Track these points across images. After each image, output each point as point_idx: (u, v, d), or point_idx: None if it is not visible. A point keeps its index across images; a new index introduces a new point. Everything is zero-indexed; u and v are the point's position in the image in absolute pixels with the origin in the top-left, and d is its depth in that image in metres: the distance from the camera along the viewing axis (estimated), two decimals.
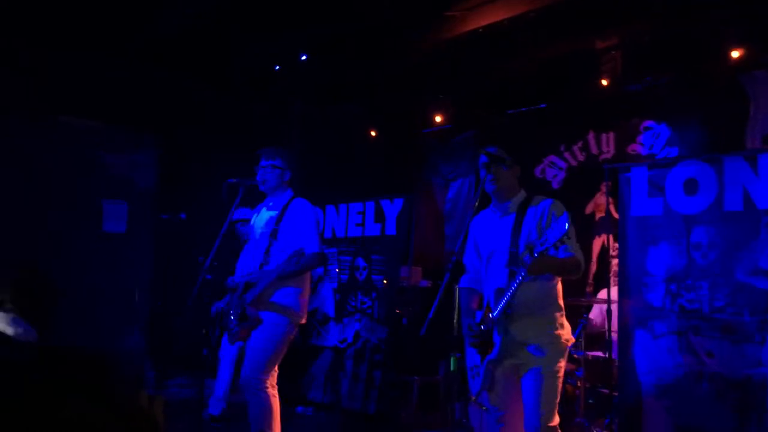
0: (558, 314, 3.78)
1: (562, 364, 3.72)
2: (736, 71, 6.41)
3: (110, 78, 7.27)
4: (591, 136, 7.80)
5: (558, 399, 3.68)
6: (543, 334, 3.68)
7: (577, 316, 5.84)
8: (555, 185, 8.04)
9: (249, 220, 5.19)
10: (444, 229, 9.28)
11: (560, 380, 3.70)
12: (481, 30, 6.61)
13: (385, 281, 7.16)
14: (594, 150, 7.77)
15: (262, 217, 4.87)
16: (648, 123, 7.29)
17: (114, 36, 6.91)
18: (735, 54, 6.22)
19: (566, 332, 3.77)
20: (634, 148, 7.38)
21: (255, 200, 5.06)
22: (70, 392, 0.77)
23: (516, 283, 3.52)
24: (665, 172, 5.22)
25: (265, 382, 4.49)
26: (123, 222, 7.40)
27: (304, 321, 4.72)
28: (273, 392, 4.55)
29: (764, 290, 4.84)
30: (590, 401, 5.80)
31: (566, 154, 8.01)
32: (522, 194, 3.91)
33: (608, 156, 7.58)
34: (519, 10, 6.29)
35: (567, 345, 3.75)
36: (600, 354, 6.01)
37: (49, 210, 6.61)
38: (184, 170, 8.03)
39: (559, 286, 3.84)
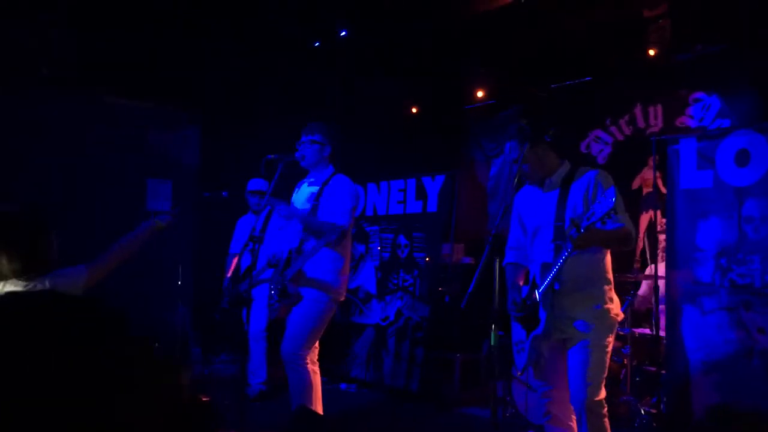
0: (606, 288, 3.69)
1: (611, 339, 3.64)
2: None
3: (153, 56, 7.32)
4: (638, 109, 7.60)
5: (605, 374, 3.60)
6: (590, 309, 3.60)
7: (624, 293, 5.72)
8: (600, 160, 7.87)
9: (264, 192, 5.18)
10: (487, 207, 9.17)
11: (608, 355, 3.61)
12: (522, 1, 6.45)
13: (427, 259, 7.10)
14: (641, 123, 7.58)
15: (303, 193, 4.86)
16: (698, 95, 7.07)
17: (155, 13, 6.94)
18: None
19: (615, 306, 3.68)
20: (683, 121, 7.17)
21: (297, 177, 5.05)
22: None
23: (562, 258, 3.46)
24: (716, 143, 5.06)
25: (305, 358, 4.50)
26: (167, 200, 7.48)
27: (342, 298, 4.70)
28: (314, 368, 4.55)
29: None
30: (637, 379, 5.69)
31: (612, 128, 7.83)
32: (565, 166, 3.80)
33: (655, 129, 7.38)
34: None
35: (616, 320, 3.67)
36: (647, 331, 5.89)
37: (94, 188, 6.71)
38: (226, 148, 8.08)
39: (608, 259, 3.74)
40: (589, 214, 3.25)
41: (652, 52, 6.90)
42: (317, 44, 7.94)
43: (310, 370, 4.51)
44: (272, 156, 4.75)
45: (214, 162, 7.74)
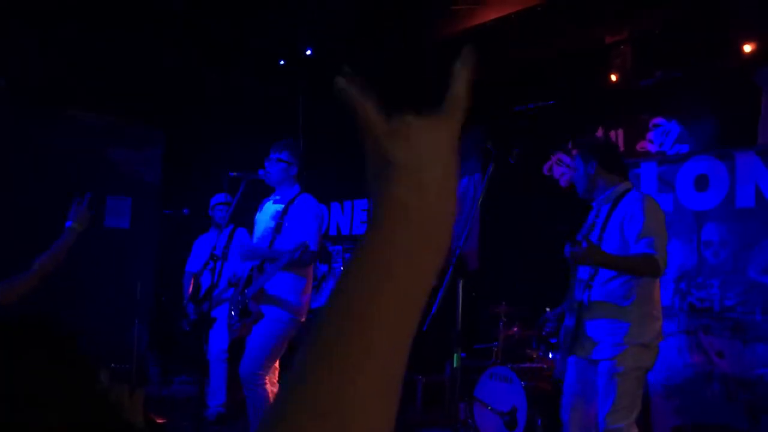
0: (638, 315, 3.55)
1: (632, 365, 3.51)
2: (748, 66, 6.29)
3: (116, 72, 7.22)
4: (600, 133, 7.69)
5: (629, 402, 3.48)
6: (614, 334, 3.52)
7: None
8: (563, 183, 7.93)
9: (229, 204, 5.13)
10: None
11: (630, 382, 3.50)
12: (488, 24, 6.51)
13: None
14: None
15: (267, 210, 4.81)
16: (658, 120, 7.18)
17: (120, 29, 6.85)
18: (747, 48, 6.10)
19: (644, 334, 3.54)
20: (644, 146, 7.27)
21: (260, 195, 5.00)
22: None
23: (584, 276, 3.55)
24: (676, 167, 5.13)
25: (263, 378, 4.42)
26: (126, 217, 7.36)
27: (304, 318, 4.64)
28: (273, 389, 4.48)
29: None
30: None
31: (575, 152, 7.91)
32: (621, 187, 3.75)
33: None
34: (527, 4, 6.20)
35: (641, 350, 3.53)
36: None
37: (51, 204, 6.57)
38: (187, 166, 7.98)
39: (648, 287, 3.61)
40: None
41: (613, 78, 7.00)
42: (282, 63, 7.92)
43: (269, 390, 4.44)
44: (235, 173, 4.70)
45: (176, 180, 7.65)
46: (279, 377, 4.63)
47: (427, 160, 0.70)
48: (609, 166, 3.76)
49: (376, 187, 0.70)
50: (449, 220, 0.70)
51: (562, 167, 7.99)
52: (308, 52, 7.61)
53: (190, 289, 6.52)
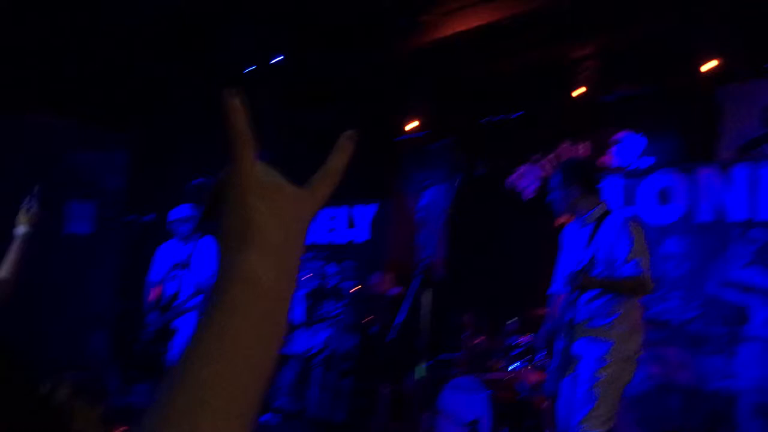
0: (621, 331, 3.67)
1: (614, 377, 3.62)
2: (710, 83, 6.42)
3: (80, 75, 7.11)
4: (565, 146, 7.78)
5: (605, 412, 3.56)
6: (599, 349, 3.64)
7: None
8: (527, 195, 8.01)
9: (189, 218, 5.05)
10: (416, 237, 9.21)
11: (609, 394, 3.59)
12: (456, 36, 6.56)
13: (355, 288, 7.06)
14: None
15: None
16: (622, 134, 7.29)
17: (85, 30, 6.75)
18: (709, 66, 6.23)
19: (627, 349, 3.66)
20: (608, 159, 7.37)
21: None
22: None
23: (570, 298, 3.65)
24: (638, 181, 5.21)
25: None
26: (88, 223, 7.24)
27: None
28: None
29: (734, 303, 4.82)
30: None
31: (541, 164, 7.99)
32: (601, 207, 3.87)
33: None
34: (494, 18, 6.25)
35: (623, 363, 3.65)
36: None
37: (10, 209, 6.44)
38: (151, 172, 7.88)
39: (630, 304, 3.72)
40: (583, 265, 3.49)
41: (579, 92, 7.09)
42: (251, 69, 7.88)
43: None
44: (198, 181, 4.65)
45: (140, 185, 7.55)
46: None
47: (288, 235, 0.68)
48: (590, 188, 3.90)
49: (228, 245, 0.67)
50: (290, 299, 0.68)
51: (527, 178, 8.06)
52: (276, 59, 7.58)
53: (153, 299, 6.41)
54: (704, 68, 6.26)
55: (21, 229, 3.22)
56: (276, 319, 0.66)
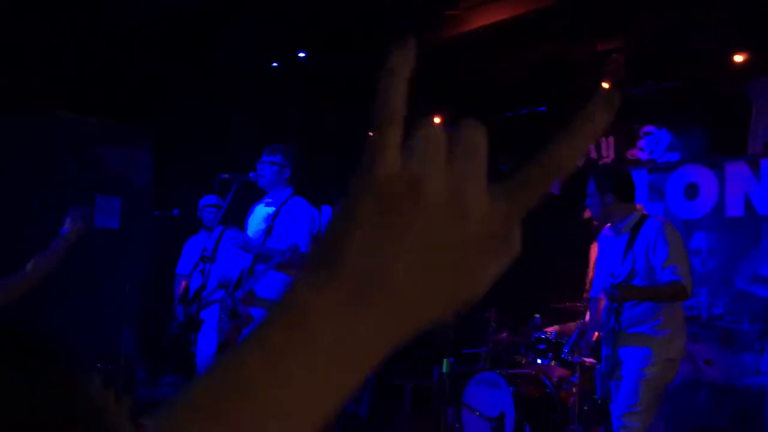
0: (664, 334, 3.80)
1: (658, 375, 3.76)
2: (738, 76, 6.33)
3: (107, 72, 7.19)
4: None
5: (647, 407, 3.71)
6: (644, 351, 3.77)
7: (575, 321, 5.77)
8: (554, 190, 7.95)
9: (219, 206, 5.11)
10: None
11: (653, 391, 3.75)
12: (481, 30, 6.53)
13: None
14: (593, 154, 7.69)
15: (259, 213, 4.81)
16: (648, 128, 7.21)
17: (112, 28, 6.82)
18: (738, 59, 6.14)
19: (671, 350, 3.80)
20: (634, 153, 7.30)
21: (254, 197, 4.99)
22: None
23: (612, 306, 3.77)
24: (666, 176, 5.16)
25: None
26: (116, 218, 7.32)
27: None
28: None
29: (764, 298, 4.76)
30: (585, 408, 5.71)
31: None
32: (636, 215, 3.96)
33: (608, 161, 7.50)
34: (520, 11, 6.21)
35: (666, 363, 3.79)
36: (595, 360, 5.93)
37: (42, 206, 6.54)
38: (179, 167, 7.95)
39: (672, 308, 3.85)
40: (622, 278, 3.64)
41: (605, 85, 7.02)
42: (275, 65, 7.91)
43: None
44: (227, 175, 4.69)
45: (166, 180, 7.62)
46: None
47: (432, 293, 0.46)
48: (624, 196, 3.98)
49: (311, 271, 0.47)
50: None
51: None
52: (301, 55, 7.60)
53: (180, 291, 6.48)
54: (733, 61, 6.17)
55: (66, 234, 3.23)
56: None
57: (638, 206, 4.05)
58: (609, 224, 4.08)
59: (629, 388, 3.75)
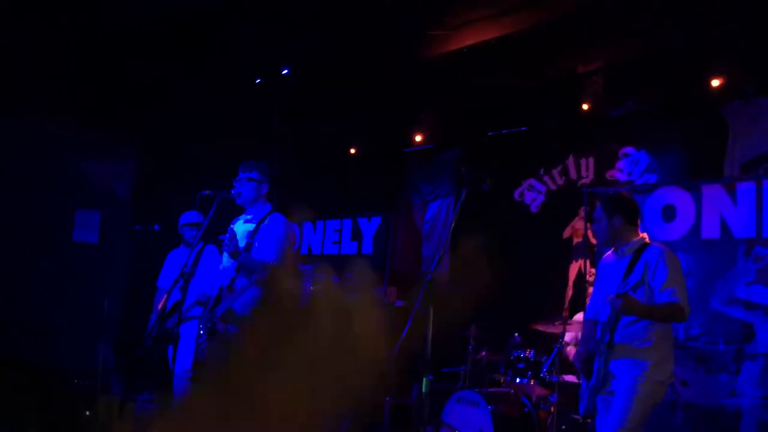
0: (657, 355, 3.89)
1: (649, 395, 3.83)
2: (715, 100, 6.43)
3: (89, 84, 7.17)
4: (571, 161, 7.79)
5: (635, 426, 3.77)
6: (636, 369, 3.84)
7: (553, 340, 5.80)
8: (533, 209, 8.01)
9: (200, 224, 5.09)
10: (422, 250, 9.21)
11: (642, 410, 3.80)
12: (464, 50, 6.59)
13: None
14: (573, 175, 7.76)
15: (239, 229, 4.79)
16: (627, 149, 7.29)
17: (94, 40, 6.80)
18: (715, 83, 6.24)
19: (662, 372, 3.89)
20: (613, 174, 7.37)
21: (235, 213, 4.98)
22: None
23: (611, 319, 3.86)
24: (644, 197, 5.22)
25: None
26: (95, 232, 7.28)
27: None
28: None
29: (740, 320, 4.82)
30: (563, 427, 5.73)
31: (545, 178, 8.00)
32: (638, 241, 4.09)
33: (587, 181, 7.57)
34: (502, 32, 6.29)
35: (657, 384, 3.87)
36: (573, 379, 5.95)
37: (21, 218, 6.48)
38: (159, 180, 7.92)
39: (665, 330, 3.97)
40: (631, 285, 3.71)
41: (585, 106, 7.11)
42: (259, 81, 7.93)
43: None
44: (207, 192, 4.69)
45: (147, 194, 7.58)
46: None
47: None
48: (632, 219, 4.13)
49: None
50: None
51: (533, 193, 8.07)
52: (285, 71, 7.62)
53: (160, 306, 6.44)
54: (710, 85, 6.27)
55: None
56: None
57: (643, 234, 4.14)
58: (612, 248, 4.18)
59: (622, 404, 3.80)
